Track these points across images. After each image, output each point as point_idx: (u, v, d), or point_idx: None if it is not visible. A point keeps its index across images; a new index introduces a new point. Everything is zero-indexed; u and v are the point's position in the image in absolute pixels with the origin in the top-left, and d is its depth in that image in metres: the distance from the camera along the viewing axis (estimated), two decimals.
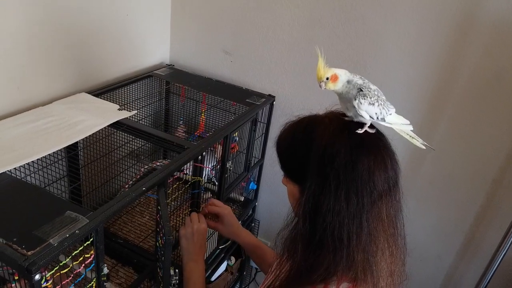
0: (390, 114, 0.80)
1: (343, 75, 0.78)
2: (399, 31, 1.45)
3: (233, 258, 1.82)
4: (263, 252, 1.20)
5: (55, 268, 0.78)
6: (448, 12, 1.36)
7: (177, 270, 0.91)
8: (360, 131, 0.75)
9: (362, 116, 0.76)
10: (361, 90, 0.76)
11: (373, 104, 0.76)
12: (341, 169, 0.70)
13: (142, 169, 1.48)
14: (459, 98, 1.45)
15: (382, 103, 0.78)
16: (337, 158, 0.70)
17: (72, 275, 0.83)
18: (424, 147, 0.84)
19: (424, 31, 1.41)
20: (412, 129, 0.83)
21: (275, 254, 1.16)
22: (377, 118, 0.78)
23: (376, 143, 0.75)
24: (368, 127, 0.76)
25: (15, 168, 0.98)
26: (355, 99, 0.76)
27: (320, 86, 0.78)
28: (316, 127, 0.76)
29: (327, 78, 0.77)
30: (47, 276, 0.75)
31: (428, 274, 1.76)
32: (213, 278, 1.65)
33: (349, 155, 0.70)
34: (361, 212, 0.71)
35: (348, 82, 0.78)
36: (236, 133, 1.49)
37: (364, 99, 0.76)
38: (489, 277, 1.46)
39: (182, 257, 1.12)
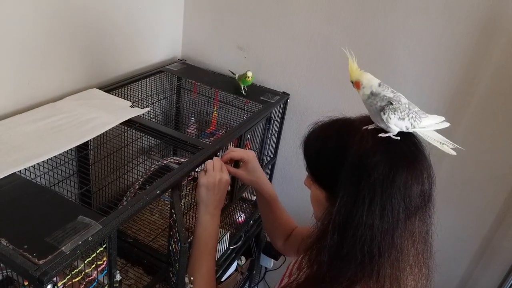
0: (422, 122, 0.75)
1: (367, 86, 0.73)
2: (421, 30, 1.39)
3: (243, 258, 1.79)
4: (279, 212, 1.15)
5: (67, 277, 0.75)
6: (474, 10, 1.30)
7: (192, 278, 0.88)
8: (383, 134, 0.70)
9: (391, 128, 0.72)
10: (391, 103, 0.71)
11: (403, 118, 0.71)
12: (378, 183, 0.66)
13: (153, 166, 1.44)
14: (481, 99, 1.40)
15: (413, 116, 0.72)
16: (375, 171, 0.66)
17: (84, 283, 0.80)
18: (455, 153, 0.77)
19: (447, 31, 1.36)
20: (448, 125, 0.77)
21: (292, 222, 1.15)
22: (407, 129, 0.73)
23: (416, 154, 0.71)
24: (394, 135, 0.71)
25: (25, 169, 0.95)
26: (384, 113, 0.71)
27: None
28: (351, 132, 0.72)
29: (352, 82, 0.73)
30: (59, 285, 0.72)
31: (441, 278, 1.72)
32: (223, 279, 1.63)
33: (388, 169, 0.66)
34: (394, 228, 0.68)
35: (373, 94, 0.72)
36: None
37: (394, 114, 0.70)
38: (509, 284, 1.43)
39: (198, 207, 1.01)
